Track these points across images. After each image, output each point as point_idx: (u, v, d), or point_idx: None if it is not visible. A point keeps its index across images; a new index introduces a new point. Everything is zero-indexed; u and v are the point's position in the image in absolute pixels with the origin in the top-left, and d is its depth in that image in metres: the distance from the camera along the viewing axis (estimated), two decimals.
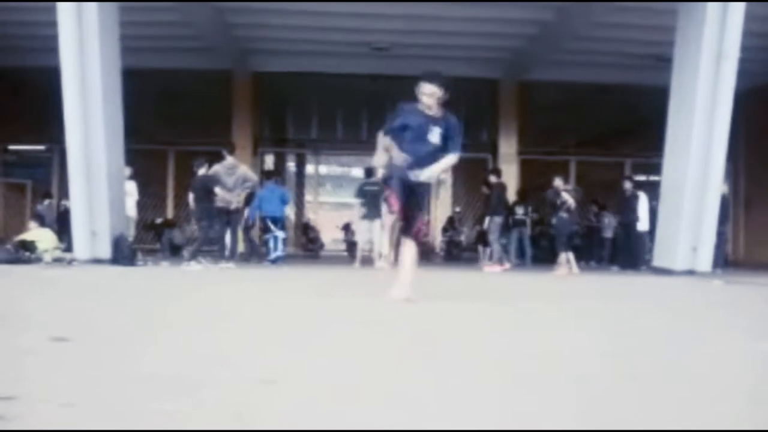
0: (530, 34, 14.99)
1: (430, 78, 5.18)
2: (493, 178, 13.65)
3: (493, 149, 17.97)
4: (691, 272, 11.20)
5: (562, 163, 18.37)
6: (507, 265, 12.96)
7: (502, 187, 13.63)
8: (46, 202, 16.15)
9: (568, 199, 12.02)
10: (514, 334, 3.86)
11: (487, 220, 13.73)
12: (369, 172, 13.58)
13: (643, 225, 13.65)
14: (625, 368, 2.75)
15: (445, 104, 5.28)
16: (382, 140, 5.44)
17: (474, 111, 19.16)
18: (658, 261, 11.94)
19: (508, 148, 17.66)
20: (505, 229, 14.06)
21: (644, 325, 4.51)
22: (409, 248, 5.39)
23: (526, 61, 16.46)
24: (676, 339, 3.78)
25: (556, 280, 10.36)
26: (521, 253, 14.96)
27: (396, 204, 5.31)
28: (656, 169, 13.08)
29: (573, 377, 2.51)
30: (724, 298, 7.46)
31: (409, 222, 5.41)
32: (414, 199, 5.37)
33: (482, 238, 14.71)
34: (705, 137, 11.33)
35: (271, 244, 12.88)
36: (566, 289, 8.53)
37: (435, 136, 5.21)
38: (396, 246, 13.17)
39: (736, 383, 2.53)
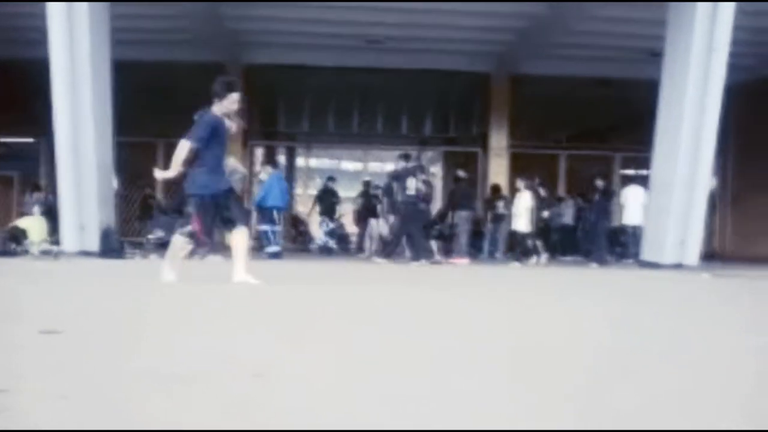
0: (522, 27, 14.95)
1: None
2: (461, 173, 13.47)
3: (484, 143, 17.94)
4: (678, 266, 11.25)
5: (552, 157, 18.37)
6: (465, 259, 12.66)
7: (469, 182, 13.45)
8: (35, 195, 15.99)
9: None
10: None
11: (451, 215, 14.10)
12: (367, 184, 15.32)
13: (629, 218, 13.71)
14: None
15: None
16: None
17: (465, 104, 19.15)
18: (646, 254, 11.98)
19: (498, 142, 17.62)
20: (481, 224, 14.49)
21: (641, 319, 4.53)
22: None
23: (517, 54, 16.43)
24: (669, 332, 3.80)
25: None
26: (494, 248, 14.72)
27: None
28: (647, 163, 13.11)
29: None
30: (713, 291, 7.50)
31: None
32: None
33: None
34: (694, 131, 11.37)
35: (270, 236, 12.33)
36: (552, 281, 8.55)
37: None
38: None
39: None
